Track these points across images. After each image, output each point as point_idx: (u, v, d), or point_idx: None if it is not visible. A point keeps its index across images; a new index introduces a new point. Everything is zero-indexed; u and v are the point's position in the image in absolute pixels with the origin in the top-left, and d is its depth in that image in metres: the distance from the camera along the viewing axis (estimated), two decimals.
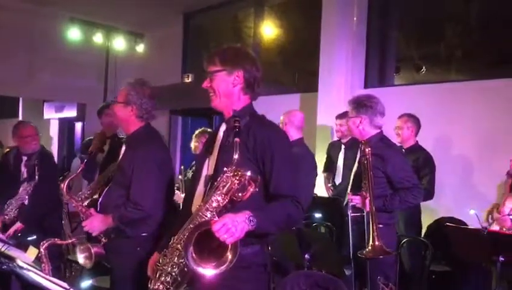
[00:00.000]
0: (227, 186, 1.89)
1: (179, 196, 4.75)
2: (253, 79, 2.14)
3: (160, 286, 1.98)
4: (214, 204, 1.90)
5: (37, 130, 4.41)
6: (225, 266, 1.78)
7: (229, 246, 1.78)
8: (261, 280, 2.06)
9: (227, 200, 1.90)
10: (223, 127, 2.18)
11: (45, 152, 4.46)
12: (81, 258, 2.86)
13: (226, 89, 2.13)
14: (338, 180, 5.14)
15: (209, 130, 5.05)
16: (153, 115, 3.01)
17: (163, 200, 2.90)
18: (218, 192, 1.90)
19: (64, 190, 3.01)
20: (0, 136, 11.61)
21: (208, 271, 1.80)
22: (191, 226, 1.93)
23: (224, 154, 2.05)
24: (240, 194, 1.88)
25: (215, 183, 1.94)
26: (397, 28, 6.49)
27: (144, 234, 2.84)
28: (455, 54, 5.99)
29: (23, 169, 4.29)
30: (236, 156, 1.91)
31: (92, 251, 2.83)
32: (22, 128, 4.34)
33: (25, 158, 4.32)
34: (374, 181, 3.04)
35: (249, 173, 1.88)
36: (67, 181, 3.03)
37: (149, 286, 2.05)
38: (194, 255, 1.80)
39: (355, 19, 6.16)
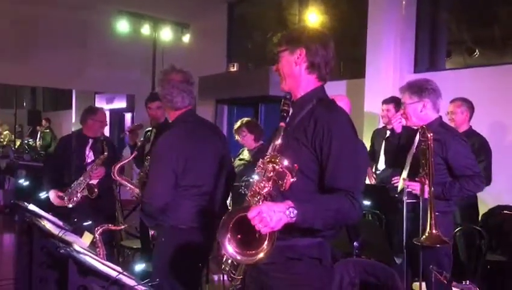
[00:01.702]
0: (265, 172, 1.84)
1: None
2: (319, 59, 2.00)
3: (227, 267, 1.99)
4: (258, 190, 1.85)
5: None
6: (260, 256, 1.73)
7: (267, 236, 1.72)
8: (314, 274, 1.92)
9: (269, 187, 1.82)
10: (291, 112, 2.03)
11: (108, 138, 4.61)
12: None
13: (289, 69, 2.03)
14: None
15: (245, 120, 5.02)
16: (176, 101, 2.84)
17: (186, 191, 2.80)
18: (260, 178, 1.86)
19: (116, 172, 3.13)
20: (55, 127, 12.13)
21: (242, 259, 1.77)
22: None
23: (289, 140, 1.93)
24: (280, 182, 1.81)
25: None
26: (448, 10, 6.26)
27: (160, 224, 2.83)
28: (510, 36, 5.71)
29: (88, 152, 4.38)
30: (278, 142, 1.87)
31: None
32: (100, 113, 4.51)
33: (91, 141, 4.40)
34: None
35: (285, 163, 1.81)
36: (118, 165, 3.18)
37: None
38: (230, 239, 1.76)
39: (404, 2, 5.98)
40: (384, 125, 5.12)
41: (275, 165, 1.82)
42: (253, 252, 1.75)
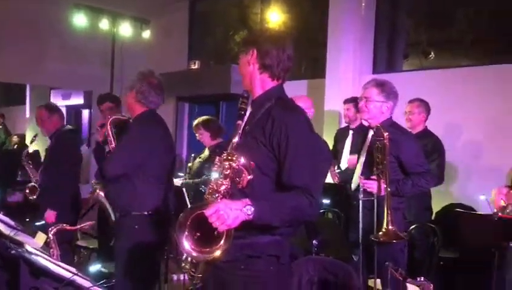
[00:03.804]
0: (222, 170, 1.86)
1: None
2: (270, 59, 2.02)
3: (187, 266, 1.98)
4: (216, 187, 1.87)
5: (46, 113, 4.38)
6: (216, 254, 1.74)
7: (224, 233, 1.74)
8: (271, 271, 1.94)
9: (226, 185, 1.85)
10: (249, 110, 2.07)
11: (58, 133, 4.38)
12: None
13: (244, 69, 2.09)
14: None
15: (203, 118, 5.02)
16: (151, 100, 3.10)
17: (153, 175, 3.03)
18: (217, 176, 1.88)
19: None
20: (8, 123, 11.69)
21: (198, 255, 1.79)
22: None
23: (248, 139, 1.97)
24: (238, 180, 1.85)
25: None
26: (406, 13, 6.42)
27: (134, 212, 2.97)
28: (465, 39, 5.90)
29: None
30: (235, 140, 1.90)
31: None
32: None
33: (48, 141, 4.48)
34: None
35: (242, 160, 1.84)
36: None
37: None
38: (187, 236, 1.78)
39: (363, 4, 6.09)
40: (346, 125, 5.20)
41: (231, 162, 1.85)
42: (210, 249, 1.76)
